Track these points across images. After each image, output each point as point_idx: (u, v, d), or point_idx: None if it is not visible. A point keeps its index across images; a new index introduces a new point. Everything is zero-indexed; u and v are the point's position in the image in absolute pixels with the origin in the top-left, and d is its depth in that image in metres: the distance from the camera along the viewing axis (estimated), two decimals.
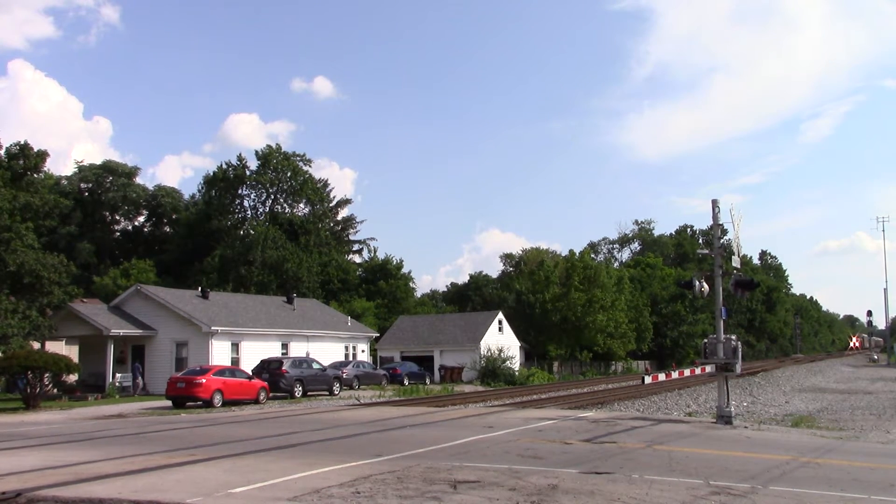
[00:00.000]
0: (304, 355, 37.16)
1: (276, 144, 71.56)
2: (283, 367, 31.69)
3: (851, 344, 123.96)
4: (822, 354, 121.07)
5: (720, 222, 19.53)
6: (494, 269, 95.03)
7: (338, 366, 38.13)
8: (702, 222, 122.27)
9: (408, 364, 47.31)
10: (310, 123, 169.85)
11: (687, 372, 33.35)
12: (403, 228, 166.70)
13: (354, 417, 20.53)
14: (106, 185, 68.61)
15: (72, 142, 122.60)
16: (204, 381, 26.90)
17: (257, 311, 41.87)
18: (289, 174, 69.70)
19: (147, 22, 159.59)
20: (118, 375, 34.41)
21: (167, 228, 73.72)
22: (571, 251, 74.40)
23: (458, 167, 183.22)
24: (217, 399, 26.99)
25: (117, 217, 71.98)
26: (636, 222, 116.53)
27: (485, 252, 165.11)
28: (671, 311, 78.47)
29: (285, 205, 71.45)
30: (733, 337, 18.98)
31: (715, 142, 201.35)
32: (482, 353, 50.17)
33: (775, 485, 9.58)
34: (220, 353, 35.40)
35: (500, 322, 55.89)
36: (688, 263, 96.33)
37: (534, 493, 8.61)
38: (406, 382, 42.24)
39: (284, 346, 40.21)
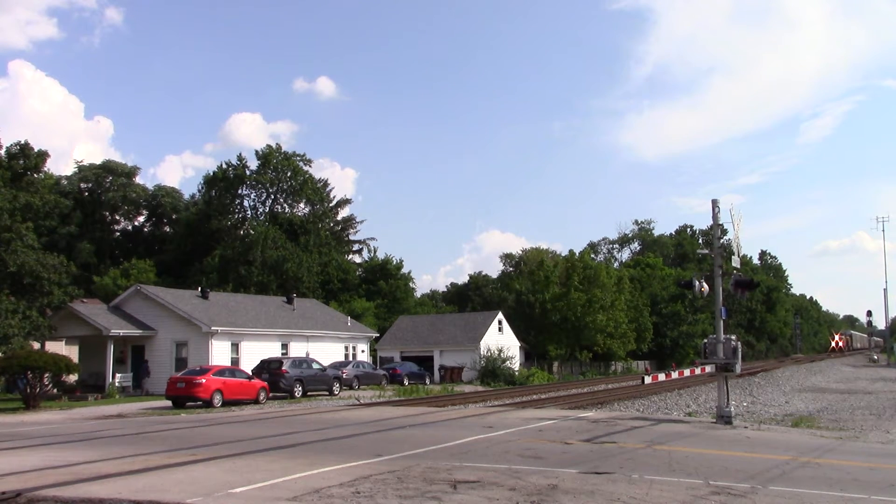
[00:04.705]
0: (304, 355, 37.15)
1: (277, 144, 71.61)
2: (283, 367, 31.69)
3: (833, 344, 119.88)
4: (822, 354, 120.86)
5: (720, 222, 19.54)
6: (494, 269, 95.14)
7: (338, 366, 38.13)
8: (702, 222, 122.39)
9: (408, 364, 47.30)
10: (312, 123, 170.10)
11: (687, 372, 33.44)
12: (403, 228, 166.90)
13: (354, 417, 20.53)
14: (106, 185, 68.60)
15: (73, 142, 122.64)
16: (204, 381, 26.90)
17: (257, 311, 41.87)
18: (289, 174, 69.66)
19: (150, 23, 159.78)
20: (118, 375, 34.43)
21: (167, 228, 73.70)
22: (571, 251, 74.47)
23: (458, 167, 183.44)
24: (217, 399, 26.98)
25: (117, 217, 71.96)
26: (636, 222, 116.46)
27: (485, 252, 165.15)
28: (671, 311, 78.43)
29: (285, 205, 71.42)
30: (733, 337, 18.98)
31: (715, 142, 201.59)
32: (482, 353, 50.17)
33: (775, 485, 9.58)
34: (220, 353, 35.40)
35: (499, 322, 55.88)
36: (688, 263, 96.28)
37: (534, 493, 8.61)
38: (406, 382, 42.24)
39: (284, 346, 40.21)
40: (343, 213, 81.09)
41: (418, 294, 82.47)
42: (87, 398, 31.14)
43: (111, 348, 34.47)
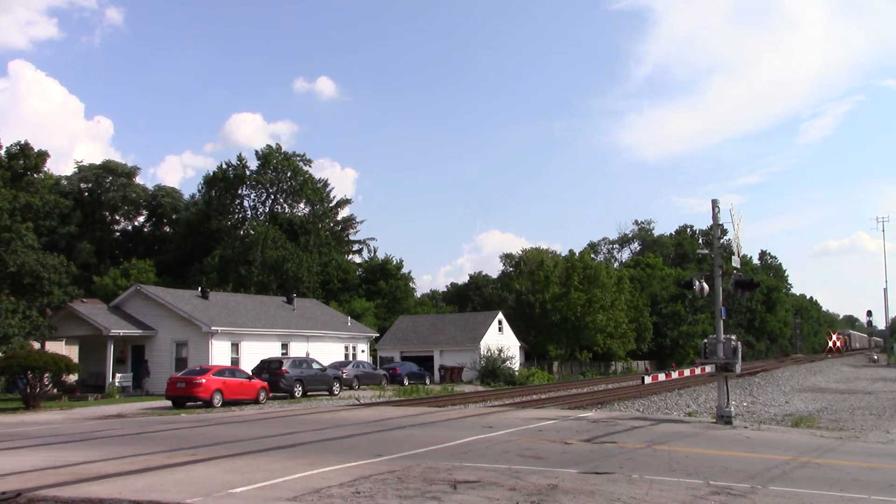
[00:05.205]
0: (304, 355, 37.16)
1: (277, 144, 71.61)
2: (283, 367, 31.69)
3: (830, 344, 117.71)
4: (819, 354, 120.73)
5: (720, 222, 19.53)
6: (494, 269, 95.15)
7: (338, 366, 38.12)
8: (702, 222, 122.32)
9: (408, 364, 47.29)
10: (312, 123, 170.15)
11: (687, 372, 33.35)
12: (403, 228, 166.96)
13: (354, 417, 20.53)
14: (106, 185, 68.62)
15: (73, 142, 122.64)
16: (204, 381, 26.89)
17: (257, 311, 41.86)
18: (289, 174, 69.67)
19: (150, 23, 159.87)
20: (118, 375, 34.43)
21: (167, 228, 73.71)
22: (571, 251, 74.43)
23: (458, 167, 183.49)
24: (217, 399, 26.98)
25: (117, 217, 71.97)
26: (636, 222, 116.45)
27: (485, 252, 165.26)
28: (671, 311, 78.46)
29: (285, 205, 71.43)
30: (733, 337, 18.97)
31: (715, 142, 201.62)
32: (482, 353, 50.17)
33: (775, 485, 9.58)
34: (220, 353, 35.39)
35: (499, 322, 55.88)
36: (688, 263, 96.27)
37: (534, 493, 8.61)
38: (406, 382, 42.23)
39: (284, 346, 40.21)
40: (343, 213, 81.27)
41: (418, 294, 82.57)
42: (87, 398, 31.14)
43: (111, 348, 34.47)
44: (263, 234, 61.46)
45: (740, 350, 18.71)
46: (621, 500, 8.32)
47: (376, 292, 69.67)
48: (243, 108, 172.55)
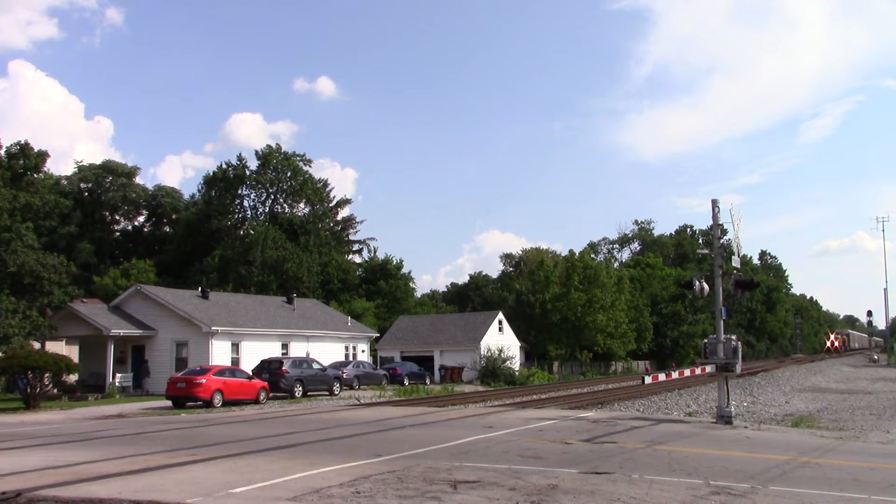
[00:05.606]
0: (304, 355, 37.16)
1: (277, 144, 71.58)
2: (284, 367, 31.69)
3: (828, 343, 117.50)
4: (818, 354, 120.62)
5: (720, 222, 19.53)
6: (494, 269, 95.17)
7: (338, 366, 38.12)
8: (702, 222, 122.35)
9: (408, 364, 47.30)
10: (312, 123, 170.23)
11: (687, 372, 33.37)
12: (403, 228, 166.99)
13: (354, 417, 20.54)
14: (106, 185, 68.62)
15: (73, 142, 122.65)
16: (204, 381, 26.90)
17: (257, 311, 41.86)
18: (289, 174, 69.67)
19: (150, 23, 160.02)
20: (118, 375, 34.43)
21: (167, 228, 73.71)
22: (571, 251, 74.36)
23: (458, 167, 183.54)
24: (217, 399, 26.98)
25: (117, 217, 71.97)
26: (636, 222, 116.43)
27: (485, 252, 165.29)
28: (671, 311, 78.44)
29: (285, 205, 71.42)
30: (733, 337, 18.96)
31: (715, 142, 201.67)
32: (482, 353, 50.17)
33: (775, 485, 9.58)
34: (220, 353, 35.39)
35: (500, 322, 55.87)
36: (688, 263, 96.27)
37: (534, 493, 8.61)
38: (406, 382, 42.24)
39: (284, 346, 40.21)
40: (343, 213, 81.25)
41: (418, 294, 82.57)
42: (87, 398, 31.13)
43: (111, 348, 34.46)
44: (263, 234, 61.46)
45: (740, 350, 18.71)
46: (621, 500, 8.32)
47: (376, 292, 69.67)
48: (243, 108, 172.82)
